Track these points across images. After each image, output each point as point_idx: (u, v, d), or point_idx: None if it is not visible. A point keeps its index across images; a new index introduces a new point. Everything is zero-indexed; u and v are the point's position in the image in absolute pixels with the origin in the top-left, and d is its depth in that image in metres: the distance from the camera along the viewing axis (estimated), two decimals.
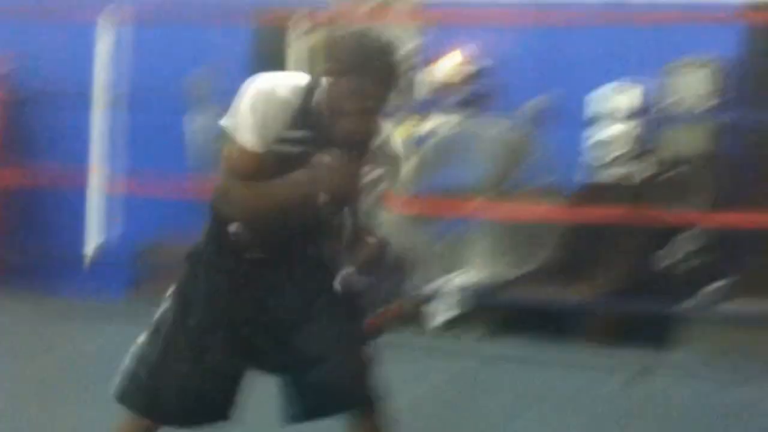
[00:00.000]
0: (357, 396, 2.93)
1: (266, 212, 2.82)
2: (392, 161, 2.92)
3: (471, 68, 6.95)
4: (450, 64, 6.94)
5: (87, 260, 6.39)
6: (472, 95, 6.87)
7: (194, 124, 6.93)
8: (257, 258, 2.92)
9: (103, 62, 6.42)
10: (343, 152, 2.73)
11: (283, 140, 2.79)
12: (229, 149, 2.81)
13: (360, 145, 2.80)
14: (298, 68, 6.43)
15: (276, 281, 2.94)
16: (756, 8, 6.48)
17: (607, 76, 6.71)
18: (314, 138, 2.79)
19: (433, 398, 5.05)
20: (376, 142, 2.87)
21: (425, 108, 6.66)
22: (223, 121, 2.84)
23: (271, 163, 2.78)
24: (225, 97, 7.02)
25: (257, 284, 2.94)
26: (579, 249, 6.51)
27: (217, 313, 2.94)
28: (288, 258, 2.93)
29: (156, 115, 7.25)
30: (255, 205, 2.82)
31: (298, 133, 2.79)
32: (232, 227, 2.91)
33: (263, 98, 2.78)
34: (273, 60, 6.84)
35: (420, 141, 6.37)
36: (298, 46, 6.90)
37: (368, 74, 2.72)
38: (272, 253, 2.92)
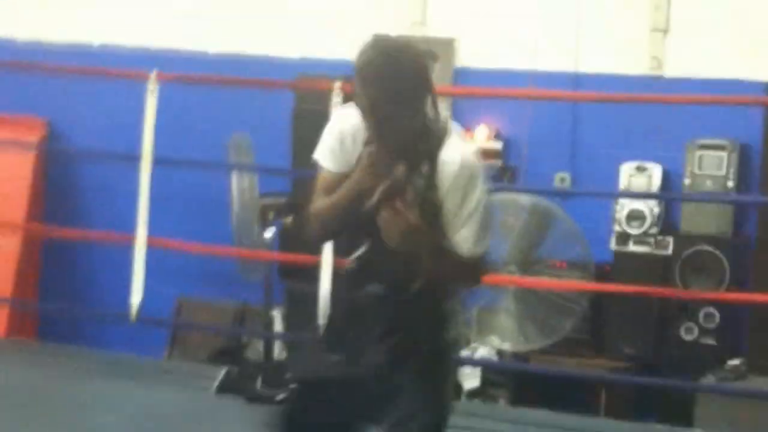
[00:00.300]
0: None
1: (335, 217, 3.12)
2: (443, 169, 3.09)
3: (496, 142, 7.14)
4: (476, 139, 7.09)
5: (128, 316, 6.53)
6: (499, 169, 7.05)
7: (236, 184, 7.07)
8: (376, 292, 3.15)
9: (148, 122, 6.59)
10: (379, 151, 3.03)
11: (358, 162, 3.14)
12: (319, 175, 3.20)
13: (404, 148, 3.05)
14: None
15: (391, 320, 3.15)
16: None
17: (630, 153, 6.88)
18: None
19: None
20: (426, 145, 3.09)
21: None
22: (315, 154, 3.22)
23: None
24: (266, 159, 7.16)
25: (377, 320, 3.15)
26: (602, 322, 6.64)
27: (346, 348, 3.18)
28: (402, 295, 3.13)
29: (198, 174, 7.45)
30: (326, 213, 3.14)
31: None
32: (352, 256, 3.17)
33: (343, 128, 3.17)
34: (313, 123, 6.95)
35: None
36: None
37: (376, 78, 3.02)
38: (388, 288, 3.14)
